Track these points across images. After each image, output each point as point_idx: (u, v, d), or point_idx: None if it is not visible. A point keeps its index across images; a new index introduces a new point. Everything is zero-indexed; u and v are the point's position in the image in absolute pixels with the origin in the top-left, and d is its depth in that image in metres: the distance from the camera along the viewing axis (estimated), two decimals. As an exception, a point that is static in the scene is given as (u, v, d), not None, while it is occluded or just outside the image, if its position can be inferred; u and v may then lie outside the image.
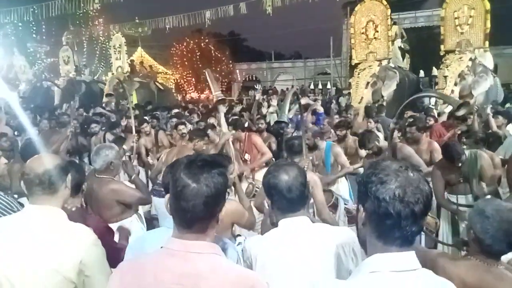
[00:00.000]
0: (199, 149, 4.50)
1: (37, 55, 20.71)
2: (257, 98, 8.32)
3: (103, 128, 6.81)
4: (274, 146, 5.70)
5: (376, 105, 8.68)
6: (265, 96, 11.39)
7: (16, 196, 3.00)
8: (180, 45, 26.63)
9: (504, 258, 1.97)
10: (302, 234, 1.59)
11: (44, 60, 20.80)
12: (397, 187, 1.00)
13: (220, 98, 3.84)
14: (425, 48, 17.81)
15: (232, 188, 2.71)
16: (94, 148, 3.14)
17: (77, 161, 5.14)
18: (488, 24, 9.62)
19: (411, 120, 5.57)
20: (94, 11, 19.64)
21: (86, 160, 5.66)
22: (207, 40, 27.10)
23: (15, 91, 13.29)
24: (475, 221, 1.69)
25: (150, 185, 5.13)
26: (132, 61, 17.72)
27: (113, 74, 14.97)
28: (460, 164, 3.70)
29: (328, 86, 20.33)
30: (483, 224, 1.65)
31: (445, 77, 9.42)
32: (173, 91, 22.37)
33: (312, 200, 2.96)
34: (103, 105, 11.44)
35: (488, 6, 9.61)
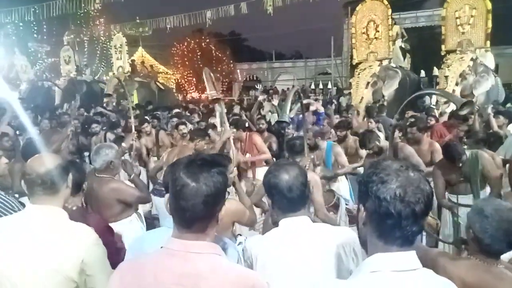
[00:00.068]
0: (200, 149, 4.50)
1: (38, 55, 20.73)
2: (259, 98, 8.29)
3: (104, 128, 6.82)
4: (274, 146, 5.70)
5: (377, 105, 8.68)
6: (266, 96, 11.36)
7: (17, 195, 3.01)
8: (181, 45, 26.64)
9: (505, 257, 1.97)
10: (303, 234, 1.59)
11: (45, 60, 20.83)
12: (397, 186, 1.00)
13: (214, 97, 3.83)
14: (426, 48, 17.80)
15: (233, 187, 2.71)
16: (94, 148, 3.14)
17: (78, 161, 5.15)
18: (490, 24, 9.60)
19: (412, 120, 5.58)
20: (95, 11, 19.66)
21: (87, 159, 5.66)
22: (208, 40, 27.11)
23: (16, 90, 13.31)
24: (474, 221, 1.69)
25: (151, 185, 5.14)
26: (133, 61, 17.75)
27: (113, 74, 14.98)
28: (460, 164, 3.70)
29: (329, 86, 20.31)
30: (482, 223, 1.65)
31: (446, 77, 9.42)
32: (174, 91, 22.40)
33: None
34: (104, 105, 11.45)
35: (489, 5, 9.59)
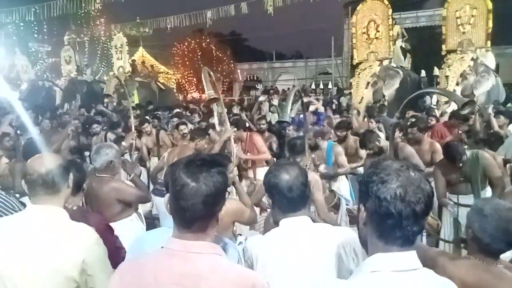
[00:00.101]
0: (201, 149, 4.50)
1: (38, 55, 20.76)
2: (260, 99, 8.29)
3: (104, 128, 6.83)
4: (275, 146, 5.70)
5: (378, 105, 8.67)
6: (266, 96, 11.37)
7: (18, 195, 3.01)
8: (182, 45, 26.64)
9: (506, 257, 1.97)
10: (303, 234, 1.59)
11: (45, 60, 20.86)
12: (398, 186, 1.00)
13: (211, 97, 3.83)
14: (426, 48, 17.79)
15: (233, 187, 2.71)
16: (94, 147, 3.15)
17: (78, 161, 5.15)
18: (490, 24, 9.59)
19: (412, 120, 5.57)
20: (96, 11, 19.67)
21: (87, 159, 5.67)
22: (208, 40, 27.11)
23: (17, 90, 13.32)
24: (474, 220, 1.69)
25: (151, 185, 5.14)
26: (133, 61, 17.76)
27: (113, 74, 14.98)
28: (461, 164, 3.70)
29: (330, 86, 20.32)
30: (481, 223, 1.65)
31: (447, 77, 9.41)
32: (175, 91, 22.40)
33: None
34: (104, 105, 11.46)
35: (490, 5, 9.58)
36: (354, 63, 11.08)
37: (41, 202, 1.57)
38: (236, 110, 8.76)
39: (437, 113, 7.78)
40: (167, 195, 1.26)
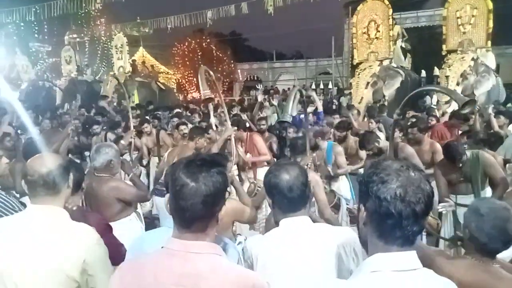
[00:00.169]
0: (201, 147, 4.50)
1: (39, 55, 20.76)
2: (259, 99, 8.28)
3: (104, 128, 6.84)
4: (275, 146, 5.70)
5: (378, 105, 8.67)
6: (266, 96, 11.35)
7: (18, 195, 3.02)
8: (182, 45, 26.62)
9: (506, 257, 1.97)
10: (303, 234, 1.59)
11: (46, 60, 20.86)
12: (398, 186, 1.00)
13: (206, 96, 3.84)
14: (427, 48, 17.76)
15: (232, 187, 2.71)
16: (94, 147, 3.16)
17: (78, 161, 5.16)
18: (491, 24, 9.59)
19: (413, 120, 5.57)
20: (96, 11, 19.67)
21: (87, 159, 5.67)
22: (208, 40, 27.08)
23: (17, 90, 13.32)
24: (470, 220, 1.70)
25: (151, 186, 5.14)
26: (133, 61, 17.75)
27: (113, 74, 14.99)
28: (461, 165, 3.70)
29: (330, 86, 20.29)
30: (478, 222, 1.66)
31: (447, 77, 9.40)
32: (175, 91, 22.39)
33: (314, 199, 2.96)
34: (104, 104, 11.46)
35: (490, 5, 9.58)
36: (355, 63, 11.08)
37: (42, 202, 1.58)
38: (236, 110, 8.75)
39: (437, 113, 7.77)
40: (167, 195, 1.27)
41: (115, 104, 12.09)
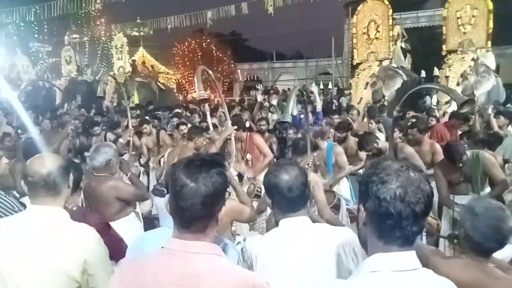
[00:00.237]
0: (200, 146, 4.50)
1: (39, 55, 20.75)
2: (258, 99, 8.28)
3: (104, 128, 6.84)
4: (275, 147, 5.70)
5: (378, 105, 8.66)
6: (266, 97, 11.36)
7: (18, 195, 3.02)
8: (182, 45, 26.61)
9: (506, 257, 1.97)
10: (303, 234, 1.59)
11: (46, 60, 20.84)
12: (398, 187, 1.00)
13: (202, 97, 3.84)
14: (426, 48, 17.77)
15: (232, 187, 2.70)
16: (93, 146, 3.17)
17: (78, 161, 5.16)
18: (491, 24, 9.58)
19: (413, 121, 5.57)
20: (96, 11, 19.66)
21: (87, 160, 5.67)
22: (208, 40, 27.07)
23: (17, 91, 13.31)
24: (466, 219, 1.71)
25: (151, 185, 5.14)
26: (133, 61, 17.74)
27: (114, 74, 14.98)
28: (461, 165, 3.70)
29: (330, 86, 20.28)
30: (473, 222, 1.67)
31: (447, 77, 9.41)
32: (175, 91, 22.38)
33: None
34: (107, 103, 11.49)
35: (491, 6, 9.57)
36: (354, 64, 11.08)
37: (42, 203, 1.57)
38: (236, 110, 8.75)
39: (438, 113, 7.76)
40: (167, 195, 1.27)
41: (115, 104, 12.10)
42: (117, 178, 3.22)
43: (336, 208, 4.02)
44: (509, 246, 2.28)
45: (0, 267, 1.49)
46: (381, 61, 10.36)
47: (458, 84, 9.21)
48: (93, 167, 2.98)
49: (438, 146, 4.61)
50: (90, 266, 1.53)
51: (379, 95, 9.89)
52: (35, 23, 19.03)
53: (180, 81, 25.98)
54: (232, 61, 27.99)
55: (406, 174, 1.02)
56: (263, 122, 5.95)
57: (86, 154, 5.93)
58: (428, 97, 10.97)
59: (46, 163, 1.60)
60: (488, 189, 3.80)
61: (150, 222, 4.13)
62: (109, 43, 20.24)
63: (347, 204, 4.14)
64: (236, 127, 4.57)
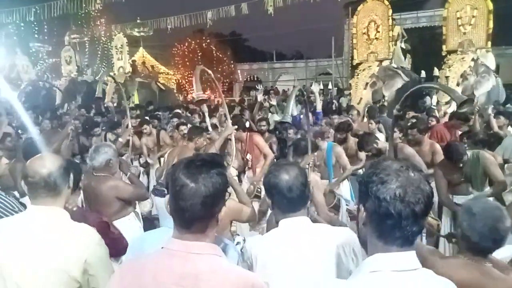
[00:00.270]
0: (200, 147, 4.50)
1: (39, 55, 20.75)
2: (258, 99, 8.28)
3: (104, 128, 6.84)
4: (275, 147, 5.70)
5: (378, 105, 8.66)
6: (266, 97, 11.36)
7: (18, 195, 3.02)
8: (182, 45, 26.62)
9: (507, 257, 1.98)
10: (303, 234, 1.59)
11: (46, 60, 20.84)
12: (398, 187, 1.00)
13: (199, 98, 3.85)
14: (426, 48, 17.78)
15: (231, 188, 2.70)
16: (93, 146, 3.18)
17: (78, 161, 5.16)
18: (491, 24, 9.58)
19: (413, 121, 5.56)
20: (96, 11, 19.66)
21: (88, 160, 5.66)
22: (208, 40, 27.08)
23: (17, 91, 13.30)
24: (463, 219, 1.72)
25: (151, 185, 5.14)
26: (133, 61, 17.74)
27: (114, 74, 14.97)
28: (461, 165, 3.70)
29: (330, 86, 20.28)
30: (470, 221, 1.68)
31: (447, 77, 9.41)
32: (175, 91, 22.38)
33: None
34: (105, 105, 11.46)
35: (491, 6, 9.57)
36: (354, 64, 11.08)
37: (42, 203, 1.58)
38: (236, 110, 8.75)
39: (439, 113, 7.76)
40: (168, 196, 1.27)
41: (115, 104, 12.09)
42: (117, 178, 3.22)
43: (336, 208, 4.03)
44: (509, 246, 2.29)
45: (0, 267, 1.49)
46: (381, 61, 10.36)
47: (458, 85, 9.21)
48: (93, 167, 2.99)
49: (438, 147, 4.61)
50: (90, 266, 1.53)
51: (379, 96, 9.89)
52: (35, 23, 19.02)
53: (180, 81, 25.98)
54: (232, 61, 27.99)
55: (406, 174, 1.03)
56: (263, 123, 5.95)
57: (86, 154, 5.94)
58: (428, 98, 10.97)
59: (47, 163, 1.60)
60: (488, 189, 3.80)
61: (150, 222, 4.13)
62: (109, 43, 20.24)
63: (347, 205, 4.14)
64: (236, 126, 4.58)
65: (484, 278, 1.58)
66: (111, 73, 14.88)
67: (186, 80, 26.17)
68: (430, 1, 22.61)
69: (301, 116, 7.17)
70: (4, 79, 10.62)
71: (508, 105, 9.93)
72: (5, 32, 17.93)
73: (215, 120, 6.95)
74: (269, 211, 3.62)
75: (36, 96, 13.54)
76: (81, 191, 2.95)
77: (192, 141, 4.53)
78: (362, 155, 4.70)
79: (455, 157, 3.68)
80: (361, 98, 9.93)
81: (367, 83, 9.95)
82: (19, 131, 6.58)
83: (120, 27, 19.12)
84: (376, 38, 10.42)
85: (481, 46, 9.74)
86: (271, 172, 1.66)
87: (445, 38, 10.14)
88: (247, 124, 5.42)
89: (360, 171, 4.66)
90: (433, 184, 3.74)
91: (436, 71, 11.34)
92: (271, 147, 5.46)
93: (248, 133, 5.15)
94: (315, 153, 4.21)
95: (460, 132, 5.56)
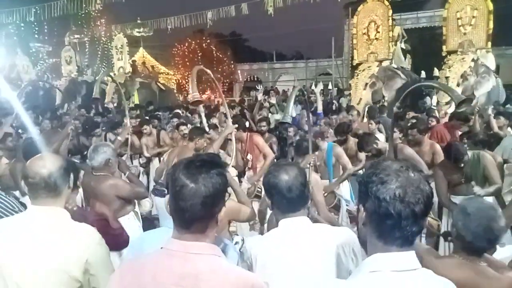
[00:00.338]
0: (201, 147, 4.50)
1: (39, 55, 20.77)
2: (259, 99, 8.28)
3: (104, 128, 6.85)
4: (275, 147, 5.70)
5: (378, 106, 8.67)
6: (266, 97, 11.37)
7: (19, 194, 3.02)
8: (182, 45, 26.63)
9: (507, 257, 1.98)
10: (303, 234, 1.59)
11: (46, 60, 20.86)
12: (397, 187, 1.00)
13: (195, 99, 3.86)
14: (427, 49, 17.78)
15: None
16: (92, 146, 3.18)
17: (78, 161, 5.16)
18: (491, 25, 9.57)
19: (413, 121, 5.57)
20: (96, 11, 19.66)
21: (87, 160, 5.66)
22: (208, 41, 27.10)
23: (17, 91, 13.30)
24: (458, 219, 1.74)
25: (151, 185, 5.14)
26: (134, 61, 17.75)
27: (114, 74, 14.98)
28: (462, 165, 3.70)
29: (330, 86, 20.28)
30: (464, 221, 1.69)
31: (447, 77, 9.41)
32: (175, 91, 22.40)
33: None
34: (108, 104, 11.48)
35: (491, 6, 9.57)
36: (354, 64, 11.09)
37: (43, 203, 1.57)
38: (236, 110, 8.76)
39: (438, 114, 7.76)
40: (168, 196, 1.27)
41: (115, 104, 12.10)
42: (117, 176, 3.23)
43: (336, 208, 4.03)
44: (509, 247, 2.29)
45: (0, 268, 1.49)
46: (381, 61, 10.37)
47: (458, 85, 9.21)
48: (92, 167, 2.99)
49: (438, 147, 4.61)
50: (91, 266, 1.53)
51: (379, 96, 9.90)
52: (35, 23, 19.04)
53: (180, 81, 25.99)
54: (232, 62, 28.00)
55: (405, 175, 1.02)
56: (264, 123, 5.95)
57: (86, 154, 5.93)
58: (428, 98, 10.98)
59: (47, 164, 1.60)
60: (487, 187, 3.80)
61: (150, 222, 4.13)
62: (109, 44, 20.25)
63: (347, 205, 4.14)
64: (236, 125, 4.58)
65: (479, 278, 1.59)
66: (111, 73, 14.89)
67: (186, 80, 26.12)
68: (430, 1, 22.62)
69: (299, 116, 7.18)
70: (4, 79, 10.63)
71: (508, 106, 9.93)
72: (5, 32, 17.95)
73: (215, 120, 6.95)
74: (269, 211, 3.63)
75: (36, 96, 13.54)
76: (80, 191, 2.95)
77: (193, 141, 4.54)
78: (362, 155, 4.70)
79: (456, 157, 3.67)
80: (360, 99, 9.94)
81: (366, 84, 9.96)
82: (20, 130, 6.57)
83: (120, 27, 19.13)
84: (376, 39, 10.42)
85: (481, 47, 9.74)
86: (271, 172, 1.66)
87: (445, 39, 10.14)
88: (247, 124, 5.42)
89: (360, 172, 4.67)
90: (432, 185, 3.75)
91: (436, 72, 11.35)
92: (271, 147, 5.47)
93: (248, 133, 5.15)
94: (316, 153, 4.22)
95: (460, 133, 5.56)
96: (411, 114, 7.25)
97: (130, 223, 3.07)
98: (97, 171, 2.97)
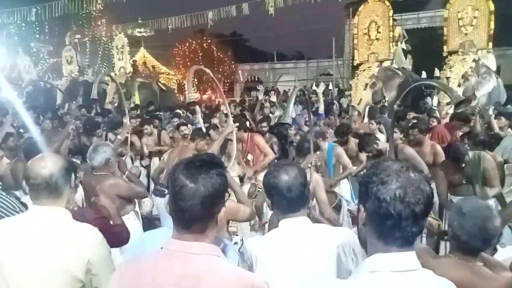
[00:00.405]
0: (201, 149, 4.51)
1: (40, 55, 20.79)
2: (260, 98, 8.28)
3: (104, 128, 6.85)
4: (275, 147, 5.70)
5: (378, 106, 8.66)
6: (266, 97, 11.38)
7: (20, 193, 3.02)
8: (183, 45, 26.66)
9: (506, 257, 1.98)
10: (303, 234, 1.59)
11: (47, 60, 20.88)
12: (398, 187, 1.00)
13: (192, 100, 3.86)
14: (427, 49, 17.75)
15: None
16: (91, 146, 3.19)
17: (79, 161, 5.16)
18: (492, 25, 9.56)
19: (414, 121, 5.56)
20: (97, 11, 19.69)
21: (87, 160, 5.67)
22: (209, 41, 27.12)
23: (18, 91, 13.32)
24: (453, 219, 1.74)
25: (152, 185, 5.14)
26: (134, 61, 17.76)
27: (115, 74, 14.99)
28: (463, 165, 3.70)
29: (330, 87, 20.27)
30: (460, 221, 1.69)
31: (448, 78, 9.40)
32: (176, 91, 22.41)
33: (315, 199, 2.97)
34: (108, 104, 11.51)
35: (492, 6, 9.55)
36: (355, 64, 11.08)
37: (44, 204, 1.57)
38: (237, 110, 8.77)
39: (440, 114, 7.75)
40: (168, 196, 1.27)
41: (116, 104, 12.12)
42: (118, 176, 3.24)
43: (337, 208, 4.03)
44: (510, 247, 2.29)
45: (1, 268, 1.49)
46: (381, 61, 10.37)
47: (459, 85, 9.20)
48: (92, 167, 3.00)
49: (439, 147, 4.61)
50: (93, 266, 1.53)
51: (379, 96, 9.89)
52: (36, 23, 19.07)
53: (181, 81, 25.98)
54: (233, 62, 28.01)
55: (406, 175, 1.02)
56: (264, 124, 5.95)
57: (87, 154, 5.93)
58: (429, 98, 10.97)
59: (48, 165, 1.59)
60: (487, 190, 3.80)
61: (150, 222, 4.13)
62: (110, 44, 20.26)
63: (347, 205, 4.14)
64: (237, 124, 4.59)
65: (475, 278, 1.60)
66: (112, 73, 14.91)
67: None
68: (431, 1, 22.58)
69: (299, 116, 7.18)
70: (5, 79, 10.64)
71: (509, 106, 9.91)
72: (7, 32, 17.99)
73: (216, 120, 6.95)
74: (266, 208, 3.63)
75: (36, 96, 13.56)
76: (79, 190, 2.95)
77: (194, 141, 4.55)
78: (363, 156, 4.70)
79: (457, 157, 3.67)
80: (361, 99, 9.94)
81: (366, 84, 9.95)
82: (21, 130, 6.58)
83: (121, 27, 19.15)
84: (377, 39, 10.42)
85: (482, 47, 9.73)
86: (271, 173, 1.66)
87: (446, 39, 10.13)
88: (248, 124, 5.43)
89: (362, 173, 4.67)
90: (433, 185, 3.74)
91: (437, 72, 11.34)
92: (272, 147, 5.47)
93: (249, 134, 5.15)
94: (318, 153, 4.22)
95: (461, 133, 5.56)
96: (412, 114, 7.24)
97: (130, 222, 3.06)
98: (97, 171, 2.97)
